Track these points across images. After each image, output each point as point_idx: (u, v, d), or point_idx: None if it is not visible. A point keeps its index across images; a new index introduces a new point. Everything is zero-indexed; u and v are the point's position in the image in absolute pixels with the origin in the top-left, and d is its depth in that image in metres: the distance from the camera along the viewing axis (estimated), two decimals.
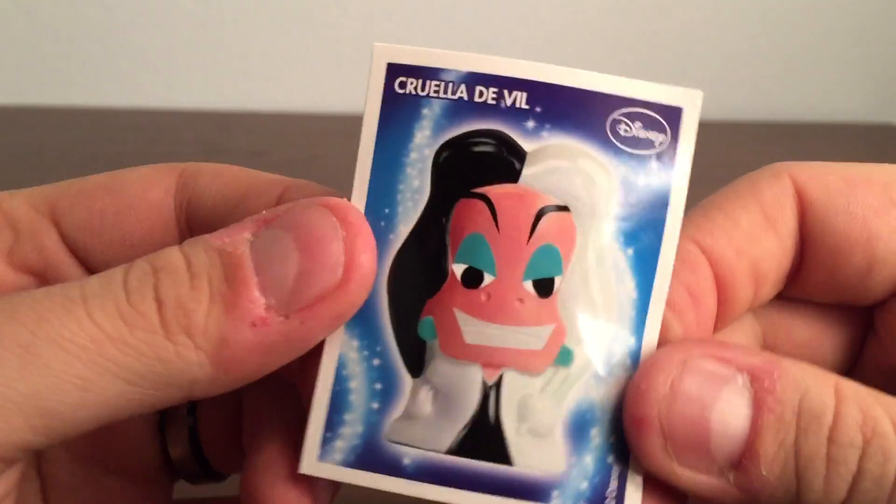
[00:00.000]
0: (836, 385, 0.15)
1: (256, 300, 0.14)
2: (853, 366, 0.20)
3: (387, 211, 0.15)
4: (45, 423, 0.14)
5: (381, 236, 0.15)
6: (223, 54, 0.73)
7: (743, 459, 0.15)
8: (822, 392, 0.15)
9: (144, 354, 0.14)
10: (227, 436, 0.20)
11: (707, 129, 0.85)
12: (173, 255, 0.15)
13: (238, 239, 0.15)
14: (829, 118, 0.79)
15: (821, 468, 0.14)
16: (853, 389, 0.15)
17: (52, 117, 0.70)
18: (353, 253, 0.15)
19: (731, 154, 0.70)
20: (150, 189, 0.18)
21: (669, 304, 0.16)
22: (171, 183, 0.18)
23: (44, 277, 0.18)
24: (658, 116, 0.16)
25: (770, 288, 0.18)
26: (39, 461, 0.20)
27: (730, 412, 0.15)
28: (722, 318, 0.18)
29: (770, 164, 0.18)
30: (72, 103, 0.73)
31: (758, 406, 0.15)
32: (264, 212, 0.15)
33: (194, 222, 0.18)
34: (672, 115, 0.16)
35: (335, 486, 0.17)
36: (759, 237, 0.17)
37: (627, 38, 0.76)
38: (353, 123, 0.76)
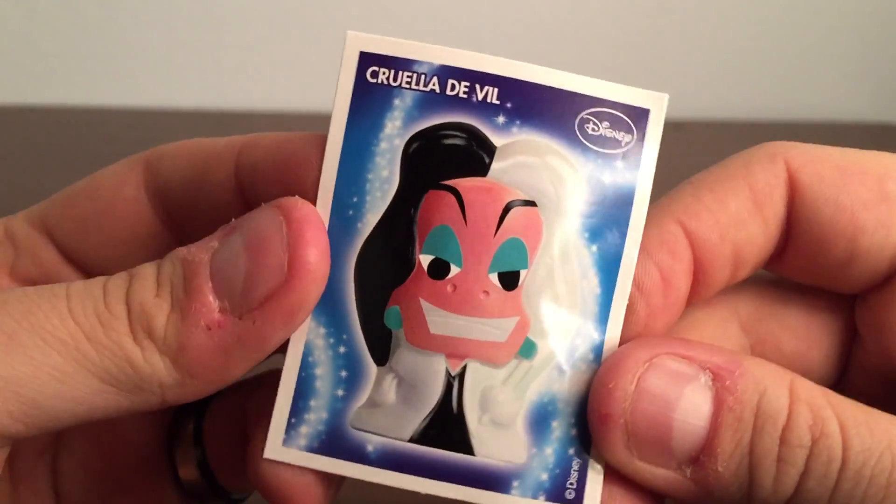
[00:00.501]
0: (791, 384, 0.15)
1: (210, 304, 0.15)
2: (843, 374, 0.20)
3: (355, 200, 0.15)
4: (22, 409, 0.14)
5: (349, 225, 0.15)
6: (223, 54, 0.73)
7: (701, 455, 0.15)
8: (779, 392, 0.15)
9: (116, 355, 0.14)
10: (234, 449, 0.20)
11: (707, 129, 0.86)
12: (145, 266, 0.16)
13: (203, 247, 0.15)
14: (829, 118, 0.79)
15: (771, 467, 0.15)
16: (807, 389, 0.15)
17: (52, 117, 0.70)
18: (298, 251, 0.15)
19: (731, 154, 0.70)
20: (122, 186, 0.19)
21: (639, 284, 0.17)
22: (140, 175, 0.19)
23: None
24: (625, 117, 0.16)
25: (748, 270, 0.18)
26: (56, 478, 0.20)
27: (691, 410, 0.15)
28: (694, 298, 0.18)
29: (766, 143, 0.18)
30: (72, 103, 0.73)
31: (718, 405, 0.15)
32: (232, 220, 0.16)
33: (171, 209, 0.19)
34: (639, 117, 0.16)
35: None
36: (745, 222, 0.17)
37: (627, 38, 0.76)
38: None
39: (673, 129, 0.80)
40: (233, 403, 0.21)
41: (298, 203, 0.15)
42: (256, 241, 0.15)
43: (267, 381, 0.19)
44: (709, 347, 0.16)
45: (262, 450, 0.16)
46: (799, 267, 0.18)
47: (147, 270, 0.16)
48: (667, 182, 0.67)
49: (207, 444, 0.21)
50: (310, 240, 0.15)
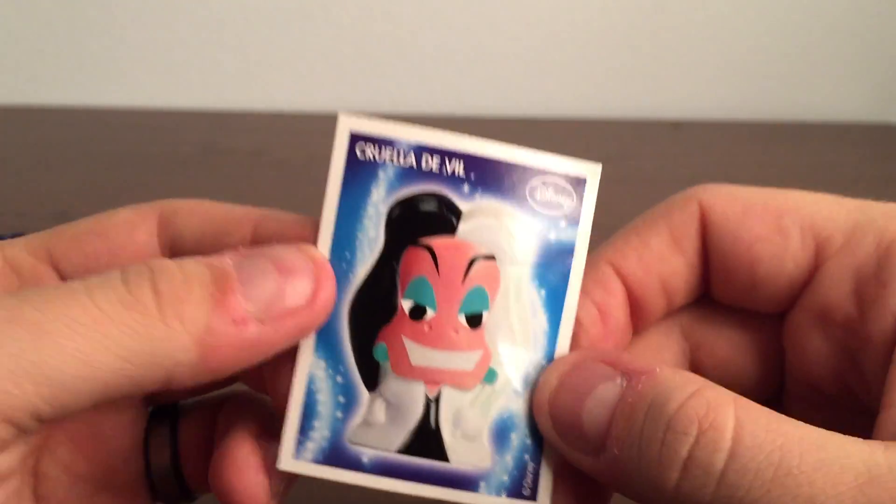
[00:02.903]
0: (700, 386, 0.17)
1: (240, 303, 0.17)
2: (782, 384, 0.22)
3: (348, 255, 0.19)
4: (51, 391, 0.16)
5: (343, 276, 0.19)
6: (223, 54, 0.73)
7: (606, 441, 0.18)
8: (681, 390, 0.17)
9: (139, 333, 0.16)
10: (205, 455, 0.22)
11: (707, 129, 0.86)
12: (166, 261, 0.18)
13: (223, 260, 0.18)
14: (829, 118, 0.79)
15: (657, 452, 0.17)
16: (715, 391, 0.17)
17: (53, 117, 0.71)
18: (320, 282, 0.18)
19: (731, 154, 0.70)
20: (134, 231, 0.21)
21: (578, 321, 0.20)
22: (153, 224, 0.21)
23: None
24: (567, 184, 0.20)
25: (682, 297, 0.21)
26: (37, 482, 0.21)
27: (598, 403, 0.18)
28: (638, 325, 0.21)
29: (687, 189, 0.21)
30: (72, 103, 0.73)
31: (619, 398, 0.18)
32: (241, 248, 0.19)
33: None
34: (578, 184, 0.20)
35: (290, 478, 0.20)
36: (667, 257, 0.21)
37: (627, 38, 0.76)
38: None
39: (672, 128, 0.80)
40: (204, 414, 0.23)
41: (319, 252, 0.19)
42: (287, 266, 0.18)
43: (233, 400, 0.23)
44: (633, 358, 0.19)
45: (229, 457, 0.19)
46: (722, 292, 0.21)
47: (168, 265, 0.18)
48: (666, 181, 0.67)
49: (180, 449, 0.23)
50: (329, 277, 0.19)
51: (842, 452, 0.16)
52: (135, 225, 0.21)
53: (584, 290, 0.20)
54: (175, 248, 0.20)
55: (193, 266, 0.18)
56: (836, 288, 0.20)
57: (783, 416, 0.17)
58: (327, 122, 0.80)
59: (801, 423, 0.17)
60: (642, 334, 0.22)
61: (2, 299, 0.16)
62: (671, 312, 0.22)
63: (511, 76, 0.76)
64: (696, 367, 0.22)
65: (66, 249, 0.21)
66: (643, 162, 0.68)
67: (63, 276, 0.21)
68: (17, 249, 0.21)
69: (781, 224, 0.20)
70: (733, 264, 0.20)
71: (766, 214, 0.20)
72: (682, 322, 0.22)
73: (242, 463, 0.19)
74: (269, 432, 0.20)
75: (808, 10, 0.77)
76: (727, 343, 0.22)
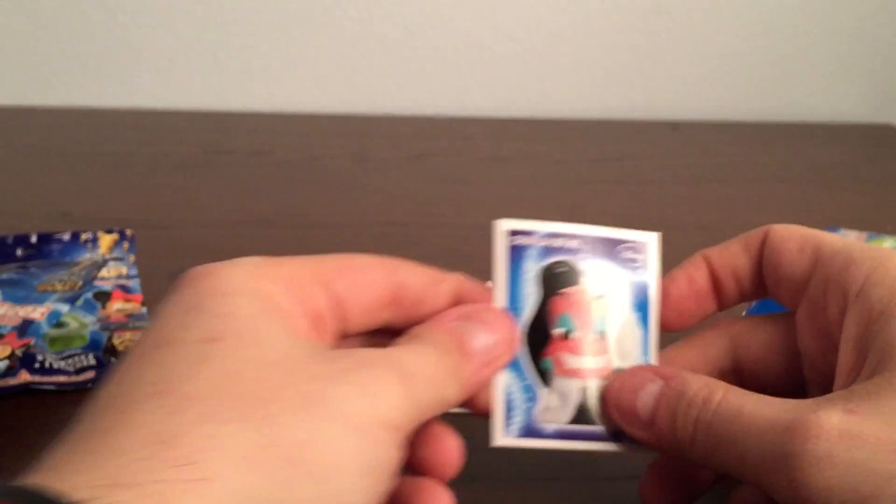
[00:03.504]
0: (706, 380, 0.27)
1: (476, 354, 0.27)
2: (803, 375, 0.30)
3: (517, 307, 0.29)
4: (418, 414, 0.24)
5: (517, 319, 0.29)
6: (223, 54, 0.73)
7: (653, 419, 0.27)
8: (694, 383, 0.27)
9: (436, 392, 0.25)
10: None
11: (705, 130, 0.86)
12: (436, 333, 0.27)
13: (453, 324, 0.27)
14: (829, 118, 0.80)
15: (680, 419, 0.26)
16: (715, 381, 0.27)
17: (53, 118, 0.71)
18: (511, 331, 0.28)
19: (728, 155, 0.70)
20: (373, 272, 0.28)
21: (672, 279, 0.30)
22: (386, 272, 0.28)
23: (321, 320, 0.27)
24: (638, 246, 0.30)
25: (748, 286, 0.31)
26: None
27: (647, 396, 0.28)
28: (720, 300, 0.31)
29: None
30: (72, 103, 0.73)
31: (661, 393, 0.27)
32: (455, 310, 0.28)
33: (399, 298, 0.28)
34: (644, 245, 0.31)
35: None
36: (738, 255, 0.30)
37: (626, 39, 0.77)
38: (352, 124, 0.77)
39: (670, 129, 0.80)
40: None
41: (506, 312, 0.29)
42: (495, 326, 0.28)
43: None
44: (668, 368, 0.28)
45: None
46: (768, 285, 0.30)
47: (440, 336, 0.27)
48: (664, 181, 0.67)
49: None
50: (514, 328, 0.29)
51: (763, 404, 0.25)
52: (374, 267, 0.28)
53: (681, 268, 0.31)
54: (400, 294, 0.28)
55: (442, 336, 0.27)
56: (818, 287, 0.29)
57: (753, 392, 0.26)
58: (327, 122, 0.80)
59: (761, 397, 0.26)
60: (701, 333, 0.31)
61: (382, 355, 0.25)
62: (743, 299, 0.31)
63: (511, 77, 0.76)
64: (737, 361, 0.30)
65: (338, 276, 0.27)
66: (642, 162, 0.68)
67: (331, 295, 0.26)
68: (297, 268, 0.26)
69: (803, 246, 0.29)
70: (771, 264, 0.30)
71: (797, 238, 0.29)
72: (729, 328, 0.31)
73: None
74: None
75: (806, 11, 0.77)
76: (759, 344, 0.30)
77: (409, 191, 0.61)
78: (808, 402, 0.24)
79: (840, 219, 0.55)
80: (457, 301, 0.28)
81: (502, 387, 0.28)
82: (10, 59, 0.72)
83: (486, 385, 0.28)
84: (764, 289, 0.30)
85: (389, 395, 0.23)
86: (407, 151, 0.68)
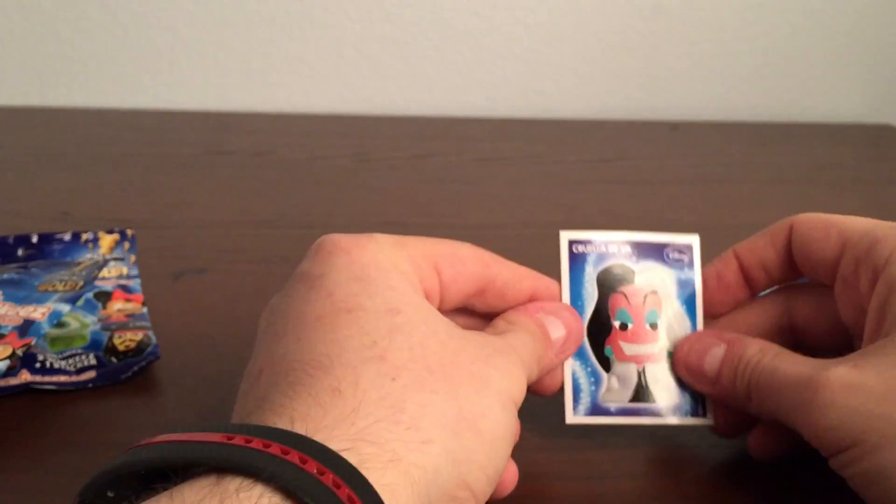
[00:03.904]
0: (762, 345, 0.32)
1: (552, 346, 0.31)
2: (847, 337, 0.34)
3: (580, 304, 0.34)
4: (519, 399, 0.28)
5: (581, 316, 0.33)
6: (224, 54, 0.73)
7: (718, 377, 0.32)
8: (751, 346, 0.32)
9: (538, 367, 0.31)
10: None
11: (707, 129, 0.85)
12: (522, 333, 0.31)
13: (537, 317, 0.32)
14: (829, 118, 0.80)
15: (739, 376, 0.31)
16: (767, 345, 0.31)
17: (54, 118, 0.71)
18: (578, 325, 0.33)
19: (728, 155, 0.70)
20: (471, 263, 0.31)
21: (705, 279, 0.35)
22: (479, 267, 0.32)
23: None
24: (683, 247, 0.35)
25: (776, 274, 0.34)
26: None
27: (712, 357, 0.32)
28: (751, 286, 0.35)
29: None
30: (73, 104, 0.73)
31: (725, 356, 0.32)
32: (536, 304, 0.32)
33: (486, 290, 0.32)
34: (688, 246, 0.35)
35: None
36: (764, 248, 0.34)
37: (626, 40, 0.77)
38: (352, 124, 0.76)
39: (670, 129, 0.80)
40: None
41: (573, 308, 0.33)
42: (569, 322, 0.32)
43: None
44: (731, 334, 0.33)
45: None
46: (801, 268, 0.34)
47: (522, 337, 0.30)
48: (664, 181, 0.67)
49: None
50: (580, 322, 0.33)
51: (792, 362, 0.30)
52: (475, 260, 0.31)
53: (713, 264, 0.35)
54: (489, 287, 0.31)
55: (531, 325, 0.31)
56: (848, 266, 0.31)
57: (791, 354, 0.31)
58: (327, 123, 0.80)
59: (795, 357, 0.30)
60: (760, 301, 0.35)
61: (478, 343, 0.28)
62: (773, 284, 0.35)
63: (511, 77, 0.76)
64: (791, 323, 0.34)
65: (448, 263, 0.30)
66: (641, 162, 0.68)
67: (441, 281, 0.30)
68: (418, 250, 0.29)
69: (828, 232, 0.32)
70: (801, 252, 0.33)
71: (821, 225, 0.33)
72: (783, 295, 0.35)
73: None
74: None
75: (806, 12, 0.77)
76: (810, 307, 0.34)
77: (409, 191, 0.61)
78: (828, 360, 0.29)
79: None
80: (533, 297, 0.32)
81: (570, 373, 0.33)
82: (10, 59, 0.72)
83: (554, 370, 0.32)
84: (792, 274, 0.34)
85: (519, 378, 0.28)
86: (407, 151, 0.67)
